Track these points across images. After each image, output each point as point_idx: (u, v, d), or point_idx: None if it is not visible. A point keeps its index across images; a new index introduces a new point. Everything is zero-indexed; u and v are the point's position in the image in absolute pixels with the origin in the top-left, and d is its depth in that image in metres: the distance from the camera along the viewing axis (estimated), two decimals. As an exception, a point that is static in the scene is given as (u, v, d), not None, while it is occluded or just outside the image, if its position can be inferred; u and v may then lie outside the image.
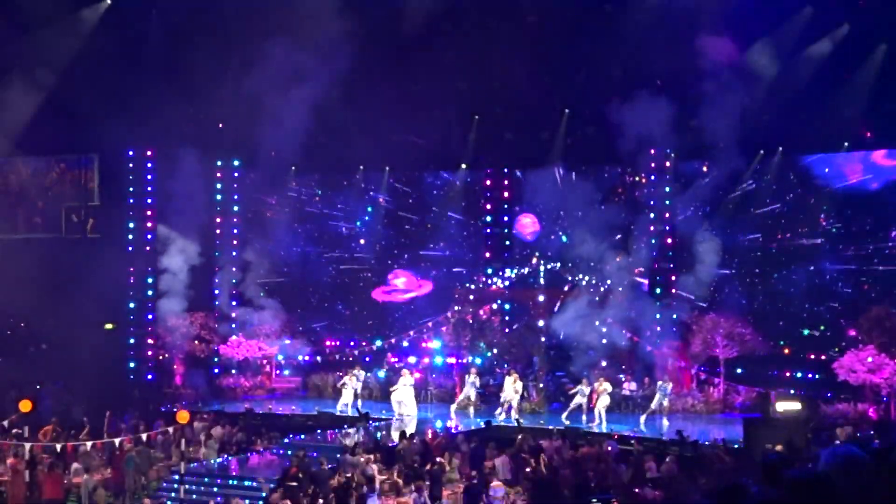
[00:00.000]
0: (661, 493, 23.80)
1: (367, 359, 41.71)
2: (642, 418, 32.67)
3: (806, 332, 38.53)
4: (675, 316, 37.92)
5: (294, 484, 25.96)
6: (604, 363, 37.30)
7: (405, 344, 41.92)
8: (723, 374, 36.60)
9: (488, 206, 42.67)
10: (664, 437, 30.55)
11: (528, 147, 40.20)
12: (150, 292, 41.78)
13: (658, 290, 38.57)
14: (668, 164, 38.72)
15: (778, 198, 39.73)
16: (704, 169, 39.52)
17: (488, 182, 42.74)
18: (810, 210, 39.56)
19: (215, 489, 27.68)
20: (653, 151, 37.88)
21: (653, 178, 39.14)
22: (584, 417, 33.33)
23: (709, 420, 34.40)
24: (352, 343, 43.91)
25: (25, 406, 32.17)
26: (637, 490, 24.85)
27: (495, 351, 39.11)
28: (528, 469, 26.49)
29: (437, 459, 27.50)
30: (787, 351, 38.37)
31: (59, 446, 30.15)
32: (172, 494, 27.70)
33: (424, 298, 43.45)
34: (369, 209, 45.21)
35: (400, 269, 43.96)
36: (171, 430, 31.94)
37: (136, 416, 34.92)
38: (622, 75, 35.93)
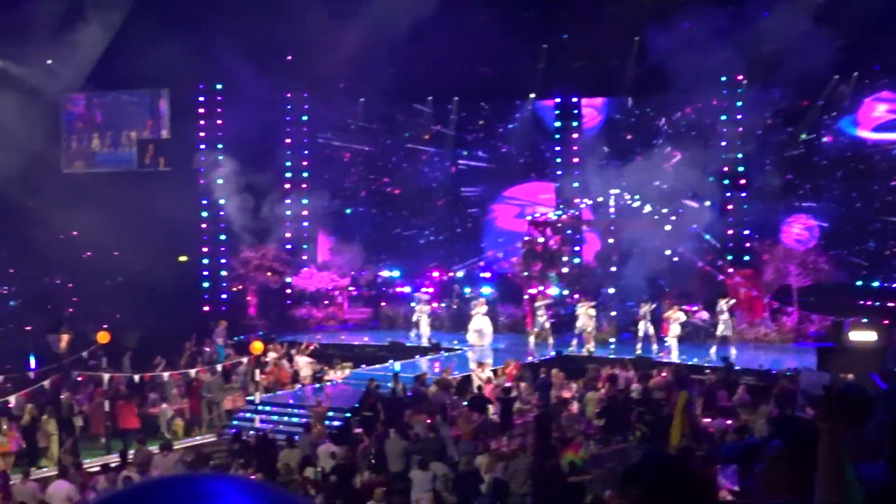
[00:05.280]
0: (734, 422, 23.80)
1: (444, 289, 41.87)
2: (722, 349, 32.39)
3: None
4: (747, 244, 37.71)
5: (369, 414, 26.30)
6: (673, 292, 37.09)
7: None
8: (796, 302, 36.26)
9: (557, 136, 42.33)
10: (736, 366, 30.42)
11: (598, 76, 39.76)
12: (221, 225, 42.28)
13: (730, 219, 38.23)
14: (739, 90, 38.20)
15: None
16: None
17: (557, 111, 42.38)
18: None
19: (290, 419, 28.15)
20: (724, 79, 37.37)
21: (724, 104, 38.70)
22: (654, 347, 33.23)
23: (782, 349, 34.12)
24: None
25: (103, 337, 32.78)
26: (708, 419, 24.89)
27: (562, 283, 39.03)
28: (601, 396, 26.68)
29: (509, 387, 27.69)
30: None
31: (136, 377, 30.81)
32: (248, 424, 28.18)
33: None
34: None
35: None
36: (245, 360, 32.43)
37: (210, 348, 35.50)
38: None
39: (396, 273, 43.53)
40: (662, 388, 26.94)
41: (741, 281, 36.88)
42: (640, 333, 33.47)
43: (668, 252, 36.96)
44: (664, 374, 28.45)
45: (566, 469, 20.41)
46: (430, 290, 39.65)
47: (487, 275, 41.66)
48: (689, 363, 30.88)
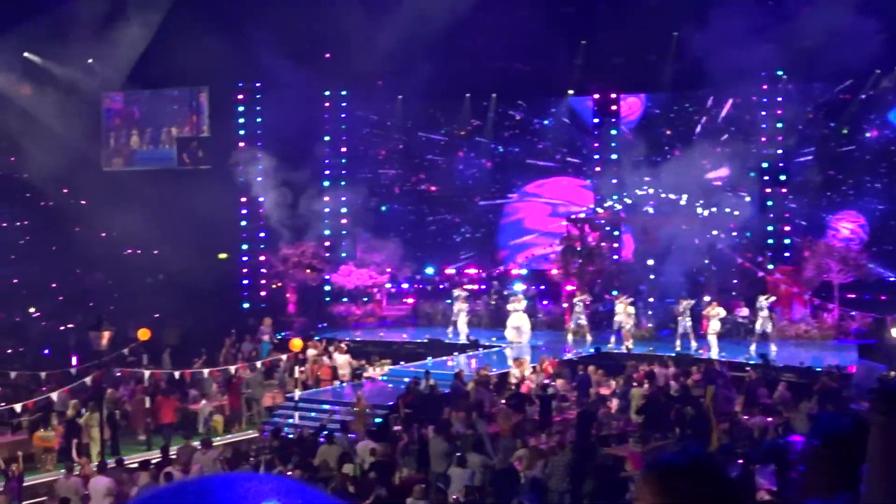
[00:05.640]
0: (775, 419, 23.66)
1: (482, 286, 41.89)
2: (752, 346, 32.26)
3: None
4: (787, 241, 37.45)
5: (409, 411, 26.32)
6: (713, 289, 36.85)
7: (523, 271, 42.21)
8: (837, 299, 35.93)
9: (595, 133, 42.17)
10: (776, 362, 30.24)
11: (636, 71, 39.56)
12: (261, 222, 42.50)
13: (771, 215, 37.96)
14: (779, 85, 37.95)
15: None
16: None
17: (595, 108, 42.23)
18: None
19: (329, 415, 28.20)
20: (763, 73, 37.17)
21: (764, 100, 38.47)
22: (693, 344, 33.02)
23: (822, 346, 33.82)
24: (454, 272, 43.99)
25: (144, 334, 33.01)
26: (748, 416, 24.74)
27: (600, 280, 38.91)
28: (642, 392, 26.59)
29: (547, 384, 27.63)
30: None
31: (177, 373, 31.04)
32: (288, 420, 28.27)
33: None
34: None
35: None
36: (284, 357, 32.54)
37: (250, 345, 35.67)
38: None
39: (430, 270, 43.65)
40: (701, 386, 26.78)
41: (781, 277, 36.62)
42: (680, 330, 33.28)
43: (707, 248, 36.79)
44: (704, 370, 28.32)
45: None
46: (469, 286, 39.65)
47: (524, 272, 41.77)
48: (730, 360, 30.63)
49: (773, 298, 33.21)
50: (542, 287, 40.32)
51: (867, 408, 3.76)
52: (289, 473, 20.22)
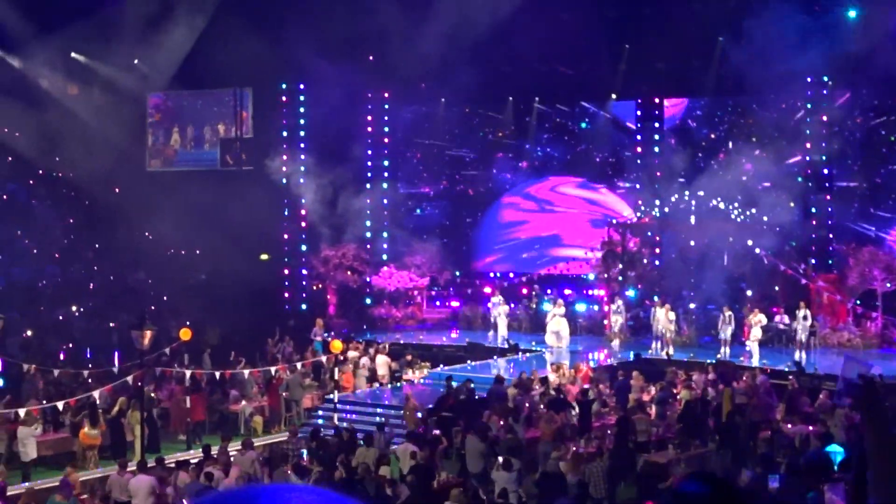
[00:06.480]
0: (816, 427, 23.44)
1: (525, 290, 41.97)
2: (797, 353, 32.03)
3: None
4: (831, 248, 37.14)
5: (449, 415, 26.27)
6: (755, 295, 36.59)
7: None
8: (881, 307, 35.55)
9: (638, 137, 41.93)
10: (818, 371, 29.98)
11: (680, 76, 39.35)
12: (302, 223, 42.60)
13: (814, 222, 37.57)
14: (824, 91, 37.54)
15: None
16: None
17: (638, 112, 41.98)
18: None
19: (368, 417, 28.23)
20: (809, 79, 36.79)
21: (808, 105, 38.07)
22: (726, 349, 32.87)
23: (866, 355, 33.39)
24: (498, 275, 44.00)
25: (186, 334, 33.17)
26: (789, 425, 24.54)
27: (641, 286, 38.77)
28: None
29: (587, 389, 27.54)
30: None
31: (217, 374, 31.17)
32: (325, 422, 28.30)
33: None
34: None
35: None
36: (325, 359, 32.59)
37: (291, 346, 35.74)
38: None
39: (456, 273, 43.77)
40: (744, 393, 26.60)
41: (824, 285, 36.28)
42: (722, 337, 33.13)
43: (749, 255, 36.53)
44: (745, 377, 28.10)
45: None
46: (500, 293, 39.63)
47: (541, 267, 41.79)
48: (771, 368, 30.41)
49: (807, 312, 32.98)
50: (583, 292, 40.25)
51: (849, 404, 3.78)
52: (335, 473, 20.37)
